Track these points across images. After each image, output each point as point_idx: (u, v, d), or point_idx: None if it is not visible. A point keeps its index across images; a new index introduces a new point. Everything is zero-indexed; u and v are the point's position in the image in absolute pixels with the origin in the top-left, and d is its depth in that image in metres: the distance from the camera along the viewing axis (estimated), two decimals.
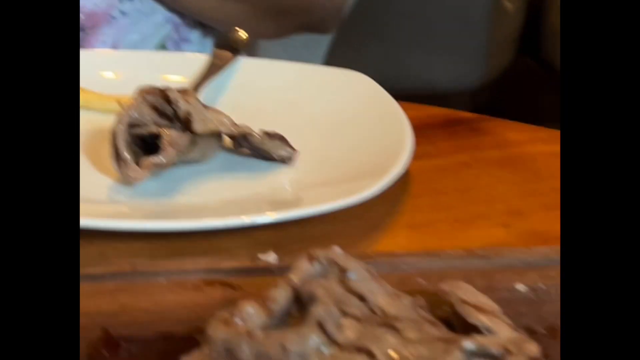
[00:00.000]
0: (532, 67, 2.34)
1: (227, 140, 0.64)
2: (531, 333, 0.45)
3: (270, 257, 0.49)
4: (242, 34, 0.76)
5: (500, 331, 0.42)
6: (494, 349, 0.38)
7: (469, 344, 0.38)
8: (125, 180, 0.58)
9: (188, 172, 0.61)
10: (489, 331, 0.41)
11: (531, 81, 2.38)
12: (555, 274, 0.50)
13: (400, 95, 0.71)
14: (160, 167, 0.57)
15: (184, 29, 0.85)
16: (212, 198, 0.58)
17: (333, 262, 0.43)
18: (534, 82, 2.37)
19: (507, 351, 0.40)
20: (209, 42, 0.87)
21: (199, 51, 0.82)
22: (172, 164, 0.58)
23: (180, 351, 0.41)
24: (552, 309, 0.47)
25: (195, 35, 0.86)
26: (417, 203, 0.62)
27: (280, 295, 0.41)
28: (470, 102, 1.74)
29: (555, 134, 0.73)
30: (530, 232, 0.59)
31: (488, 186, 0.65)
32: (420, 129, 0.70)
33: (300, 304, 0.42)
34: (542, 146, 0.71)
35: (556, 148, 0.71)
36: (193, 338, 0.43)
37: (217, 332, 0.38)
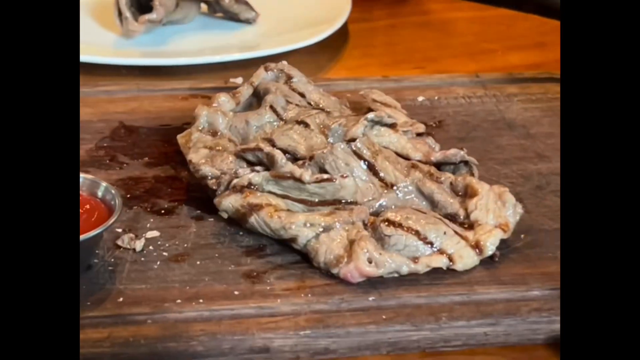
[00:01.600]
0: None
1: (204, 7, 0.81)
2: (425, 124, 0.63)
3: (238, 79, 0.67)
4: None
5: (399, 118, 0.60)
6: (388, 120, 0.56)
7: (371, 115, 0.56)
8: (127, 34, 0.75)
9: (174, 30, 0.78)
10: (391, 118, 0.59)
11: None
12: (447, 90, 0.68)
13: None
14: (153, 23, 0.74)
15: None
16: (193, 47, 0.75)
17: (282, 71, 0.61)
18: None
19: (401, 125, 0.58)
20: None
21: None
22: (161, 22, 0.75)
23: (175, 134, 0.58)
24: (442, 112, 0.65)
25: None
26: (353, 53, 0.79)
27: (244, 90, 0.59)
28: None
29: (471, 5, 0.90)
30: (439, 71, 0.76)
31: (410, 41, 0.82)
32: (362, 1, 0.87)
33: (259, 99, 0.60)
34: (457, 13, 0.88)
35: (468, 14, 0.89)
36: (183, 127, 0.61)
37: (201, 110, 0.56)
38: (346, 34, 0.82)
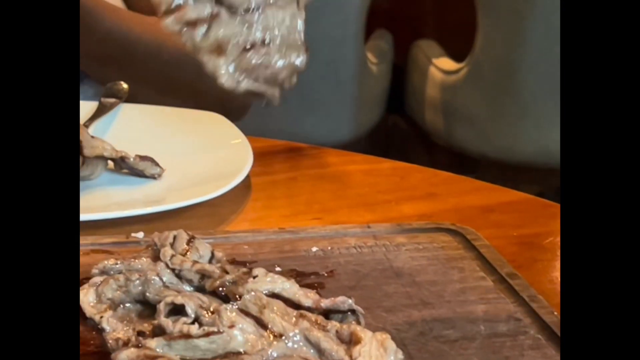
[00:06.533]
0: (399, 122, 2.62)
1: (110, 164, 0.84)
2: (316, 275, 0.66)
3: (139, 234, 0.70)
4: (124, 85, 0.97)
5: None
6: None
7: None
8: None
9: (81, 186, 0.81)
10: None
11: (398, 135, 2.66)
12: (340, 240, 0.72)
13: None
14: None
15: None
16: (98, 202, 0.78)
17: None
18: (401, 135, 2.65)
19: None
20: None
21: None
22: None
23: None
24: (334, 261, 0.69)
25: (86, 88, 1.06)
26: (255, 205, 0.83)
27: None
28: None
29: (367, 158, 0.96)
30: (335, 222, 0.80)
31: (309, 193, 0.87)
32: (264, 155, 0.92)
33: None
34: (353, 166, 0.94)
35: (364, 167, 0.94)
36: (82, 283, 0.63)
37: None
38: (249, 186, 0.86)
